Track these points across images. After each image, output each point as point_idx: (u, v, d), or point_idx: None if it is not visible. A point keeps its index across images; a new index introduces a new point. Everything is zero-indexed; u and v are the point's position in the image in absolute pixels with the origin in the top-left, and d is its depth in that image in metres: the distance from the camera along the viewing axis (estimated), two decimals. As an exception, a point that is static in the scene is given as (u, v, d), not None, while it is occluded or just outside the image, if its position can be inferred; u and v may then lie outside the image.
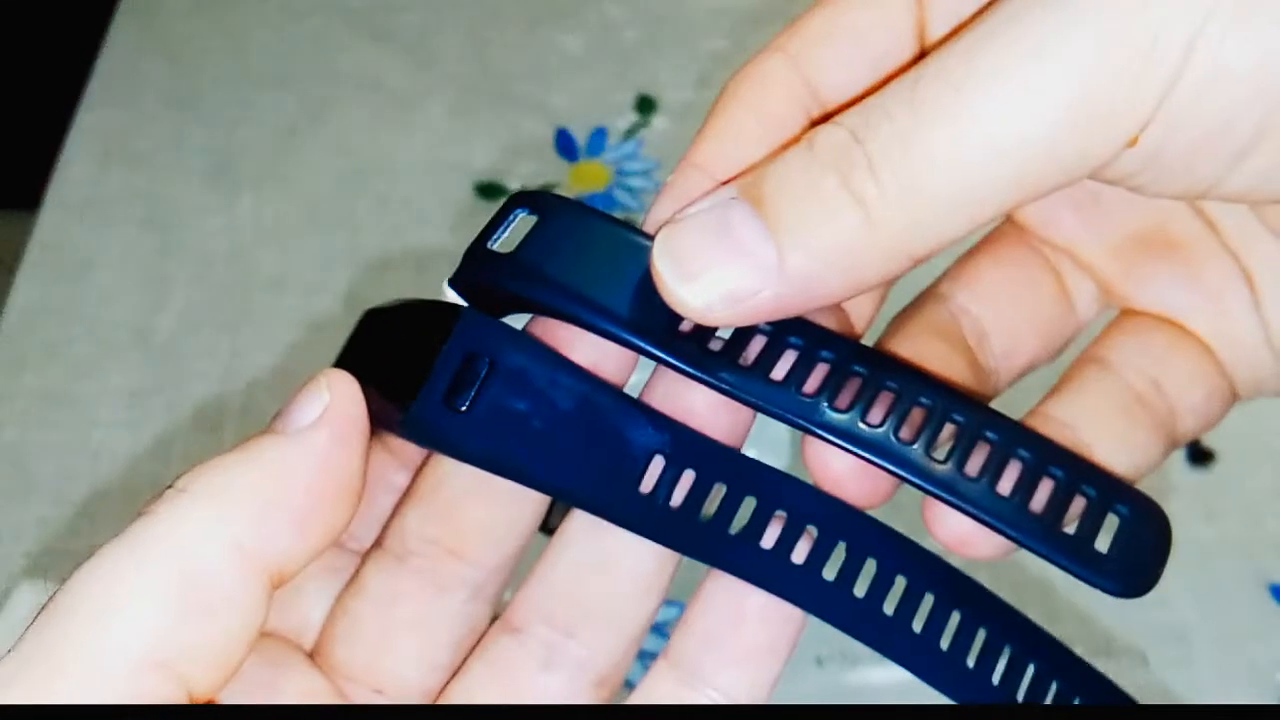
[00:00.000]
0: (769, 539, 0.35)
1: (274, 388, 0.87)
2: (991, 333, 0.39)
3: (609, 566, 0.37)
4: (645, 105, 1.06)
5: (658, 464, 0.35)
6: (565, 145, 1.03)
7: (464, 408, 0.34)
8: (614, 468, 0.35)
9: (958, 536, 0.34)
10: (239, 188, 1.00)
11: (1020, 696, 0.34)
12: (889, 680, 0.73)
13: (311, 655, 0.38)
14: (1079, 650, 0.36)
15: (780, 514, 0.35)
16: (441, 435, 0.35)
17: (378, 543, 0.38)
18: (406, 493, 0.38)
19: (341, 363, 0.36)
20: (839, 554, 0.35)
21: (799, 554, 0.34)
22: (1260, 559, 0.78)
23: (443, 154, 1.01)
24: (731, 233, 0.32)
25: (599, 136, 1.03)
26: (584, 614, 0.37)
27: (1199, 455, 0.82)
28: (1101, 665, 0.36)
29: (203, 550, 0.31)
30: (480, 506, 0.37)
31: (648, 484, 0.35)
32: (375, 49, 1.10)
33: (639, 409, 0.36)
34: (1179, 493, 0.81)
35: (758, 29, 1.12)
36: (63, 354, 0.89)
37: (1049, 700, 0.34)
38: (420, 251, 0.95)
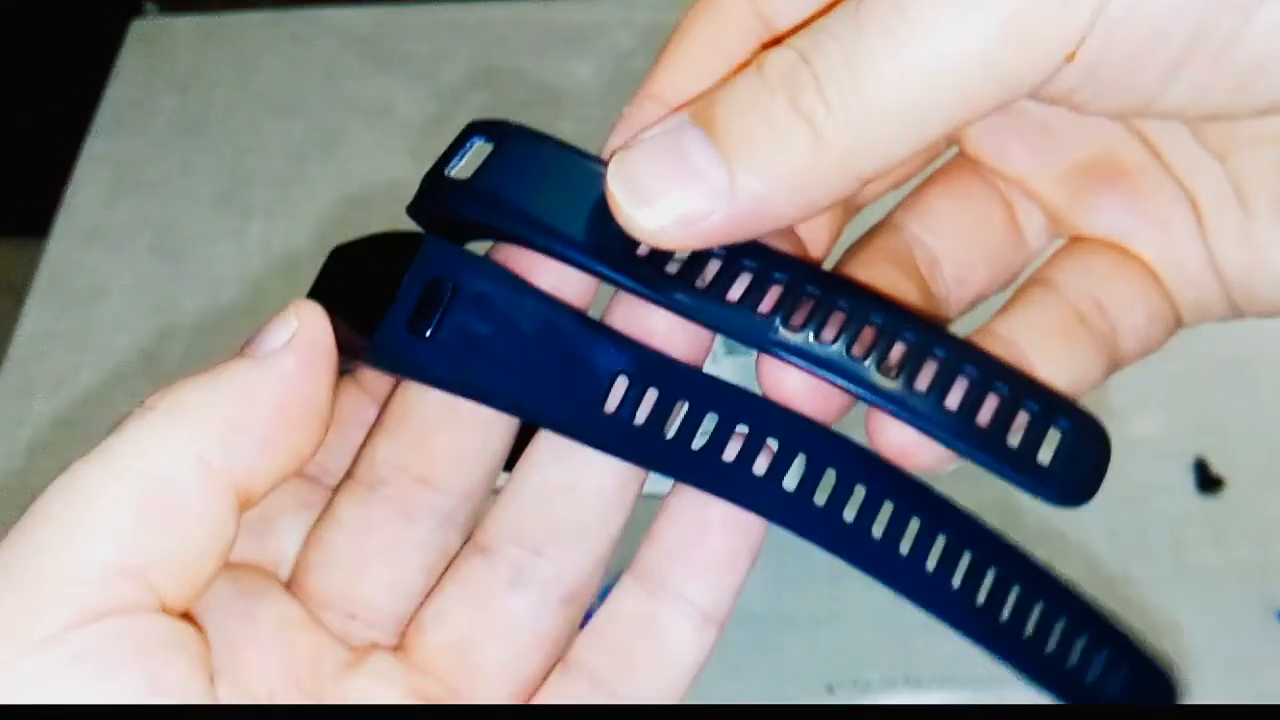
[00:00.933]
0: (730, 452, 0.35)
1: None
2: (943, 262, 0.39)
3: (575, 486, 0.38)
4: (653, 132, 1.06)
5: (621, 384, 0.36)
6: (574, 172, 1.02)
7: (428, 333, 0.35)
8: (578, 388, 0.36)
9: (899, 446, 0.35)
10: (248, 214, 1.00)
11: (981, 599, 0.35)
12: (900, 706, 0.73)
13: (288, 586, 0.38)
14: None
15: (741, 429, 0.35)
16: (407, 361, 0.36)
17: (349, 474, 0.39)
18: (376, 423, 0.39)
19: (311, 297, 0.36)
20: (799, 465, 0.35)
21: (759, 466, 0.35)
22: (1269, 585, 0.78)
23: (451, 181, 1.01)
24: (684, 156, 0.33)
25: (607, 163, 1.03)
26: (551, 532, 0.38)
27: (1208, 482, 0.82)
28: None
29: (168, 463, 0.32)
30: (448, 434, 0.38)
31: (612, 404, 0.36)
32: (384, 76, 1.10)
33: (601, 331, 0.36)
34: (1188, 519, 0.81)
35: (765, 56, 1.12)
36: (72, 381, 0.89)
37: (1009, 604, 0.35)
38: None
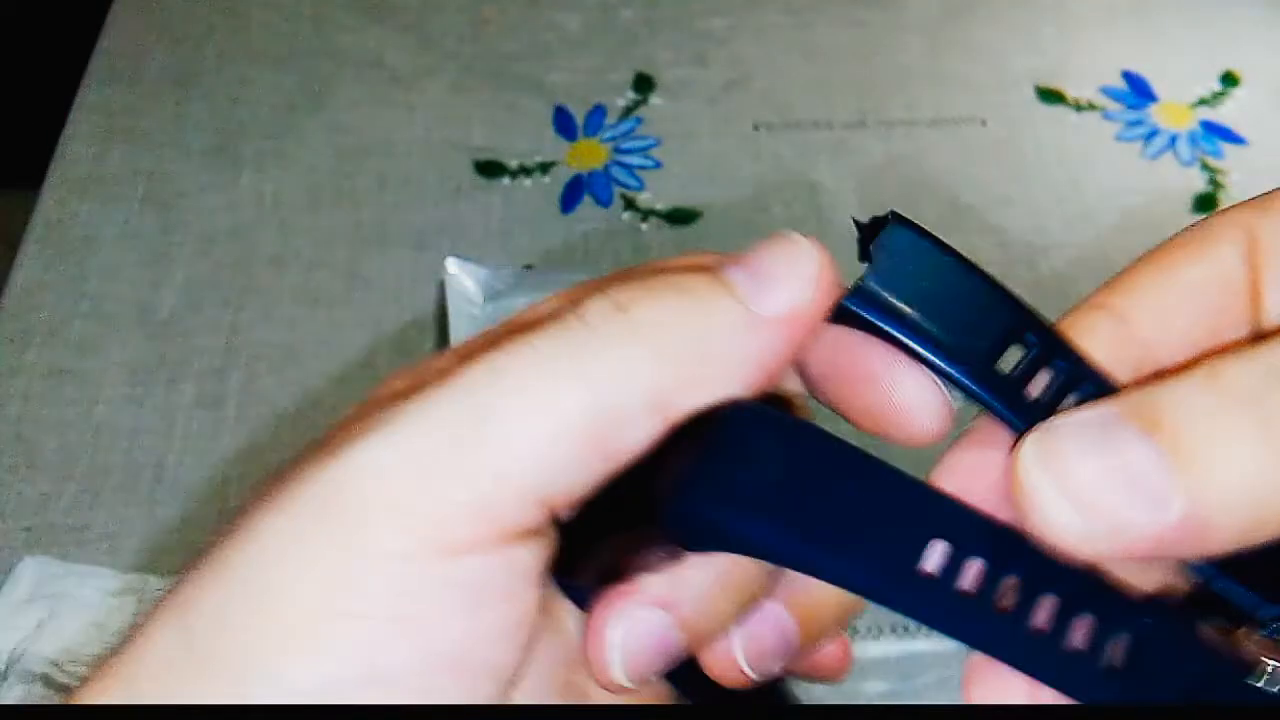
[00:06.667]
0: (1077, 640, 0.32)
1: (275, 364, 0.88)
2: None
3: None
4: (643, 84, 1.06)
5: (942, 549, 0.32)
6: (563, 123, 1.03)
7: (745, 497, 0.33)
8: (895, 550, 0.32)
9: None
10: (240, 165, 1.00)
11: None
12: (892, 691, 0.74)
13: None
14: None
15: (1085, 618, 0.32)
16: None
17: None
18: None
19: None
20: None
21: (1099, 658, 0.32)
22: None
23: (442, 132, 1.02)
24: (1123, 459, 0.29)
25: (597, 115, 1.04)
26: None
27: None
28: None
29: (623, 393, 0.32)
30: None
31: (930, 566, 0.32)
32: (375, 28, 1.10)
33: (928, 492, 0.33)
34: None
35: (754, 9, 1.13)
36: (65, 331, 0.90)
37: None
38: (420, 228, 0.95)
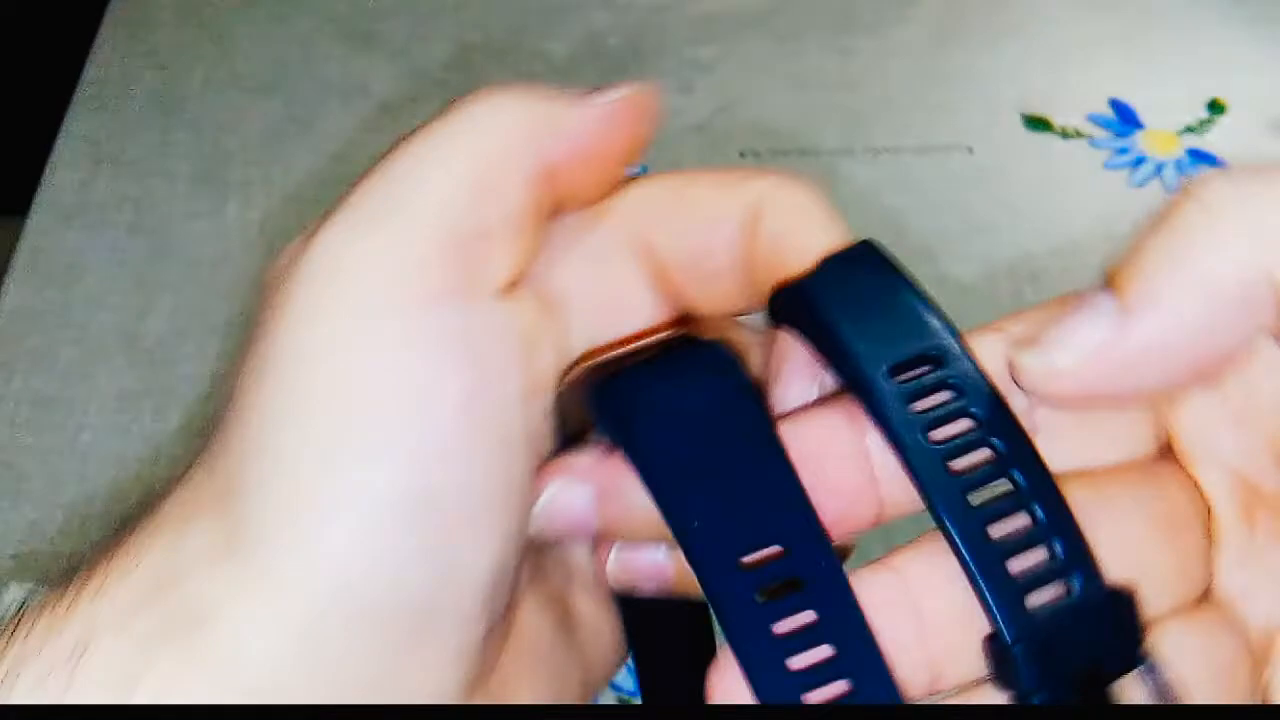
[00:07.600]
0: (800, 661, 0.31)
1: (261, 392, 0.88)
2: None
3: None
4: (630, 111, 1.06)
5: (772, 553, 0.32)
6: (551, 151, 1.03)
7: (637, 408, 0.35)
8: (733, 529, 0.32)
9: None
10: (227, 193, 1.00)
11: None
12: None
13: None
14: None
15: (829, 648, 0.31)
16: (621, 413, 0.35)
17: None
18: None
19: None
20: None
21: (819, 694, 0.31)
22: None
23: (429, 160, 1.01)
24: (1083, 303, 0.33)
25: (584, 142, 1.03)
26: None
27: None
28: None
29: (499, 144, 0.36)
30: None
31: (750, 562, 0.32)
32: (361, 55, 1.10)
33: (792, 489, 0.33)
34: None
35: (742, 37, 1.13)
36: (52, 358, 0.90)
37: None
38: (407, 256, 0.95)
